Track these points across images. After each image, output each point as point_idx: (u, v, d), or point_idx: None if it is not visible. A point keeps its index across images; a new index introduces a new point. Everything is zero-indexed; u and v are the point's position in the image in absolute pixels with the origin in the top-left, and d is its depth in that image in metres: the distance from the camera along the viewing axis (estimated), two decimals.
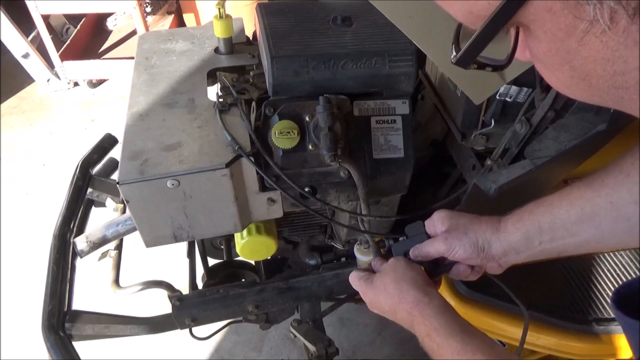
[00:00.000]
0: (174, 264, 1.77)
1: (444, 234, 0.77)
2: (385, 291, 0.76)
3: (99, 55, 3.34)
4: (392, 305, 0.74)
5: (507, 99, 1.05)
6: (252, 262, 1.38)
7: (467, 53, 0.45)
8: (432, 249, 0.79)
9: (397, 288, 0.74)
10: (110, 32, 3.54)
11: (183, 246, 1.35)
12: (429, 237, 0.82)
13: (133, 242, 1.20)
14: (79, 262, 1.20)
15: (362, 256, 0.94)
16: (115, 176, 1.36)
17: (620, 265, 1.26)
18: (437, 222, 0.80)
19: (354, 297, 1.48)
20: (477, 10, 0.41)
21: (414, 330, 0.71)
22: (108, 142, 1.41)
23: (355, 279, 0.83)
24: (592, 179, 0.66)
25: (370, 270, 0.86)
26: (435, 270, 0.80)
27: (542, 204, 0.70)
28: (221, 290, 1.18)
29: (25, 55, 3.20)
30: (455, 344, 0.64)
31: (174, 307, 1.17)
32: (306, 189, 0.96)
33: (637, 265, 1.25)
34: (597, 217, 0.64)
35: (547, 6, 0.38)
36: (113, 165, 1.39)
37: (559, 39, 0.39)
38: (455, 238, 0.76)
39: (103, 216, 1.22)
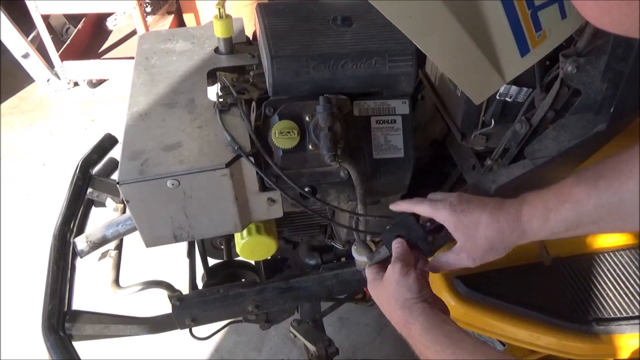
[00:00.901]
0: (174, 264, 1.77)
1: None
2: (381, 305, 0.81)
3: (99, 55, 3.34)
4: (390, 319, 0.79)
5: (507, 99, 1.04)
6: (252, 262, 1.38)
7: None
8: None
9: (388, 306, 0.78)
10: (110, 32, 3.54)
11: (183, 246, 1.35)
12: (414, 215, 0.83)
13: (133, 242, 1.20)
14: (79, 262, 1.20)
15: (360, 256, 0.94)
16: (115, 176, 1.36)
17: (620, 265, 1.25)
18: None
19: (354, 297, 1.49)
20: None
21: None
22: (108, 142, 1.41)
23: (369, 275, 0.86)
24: (619, 167, 0.64)
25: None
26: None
27: (568, 200, 0.67)
28: (221, 290, 1.18)
29: (25, 55, 3.20)
30: (447, 357, 0.66)
31: (174, 307, 1.17)
32: (306, 189, 0.96)
33: (637, 265, 1.25)
34: (622, 207, 0.64)
35: None
36: (113, 165, 1.39)
37: None
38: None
39: (103, 216, 1.22)
